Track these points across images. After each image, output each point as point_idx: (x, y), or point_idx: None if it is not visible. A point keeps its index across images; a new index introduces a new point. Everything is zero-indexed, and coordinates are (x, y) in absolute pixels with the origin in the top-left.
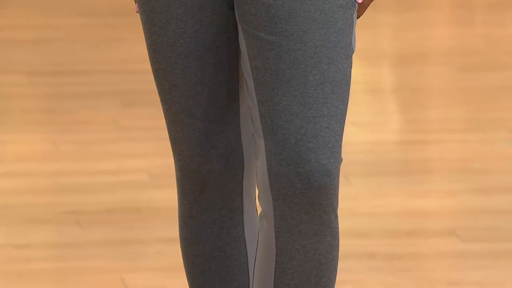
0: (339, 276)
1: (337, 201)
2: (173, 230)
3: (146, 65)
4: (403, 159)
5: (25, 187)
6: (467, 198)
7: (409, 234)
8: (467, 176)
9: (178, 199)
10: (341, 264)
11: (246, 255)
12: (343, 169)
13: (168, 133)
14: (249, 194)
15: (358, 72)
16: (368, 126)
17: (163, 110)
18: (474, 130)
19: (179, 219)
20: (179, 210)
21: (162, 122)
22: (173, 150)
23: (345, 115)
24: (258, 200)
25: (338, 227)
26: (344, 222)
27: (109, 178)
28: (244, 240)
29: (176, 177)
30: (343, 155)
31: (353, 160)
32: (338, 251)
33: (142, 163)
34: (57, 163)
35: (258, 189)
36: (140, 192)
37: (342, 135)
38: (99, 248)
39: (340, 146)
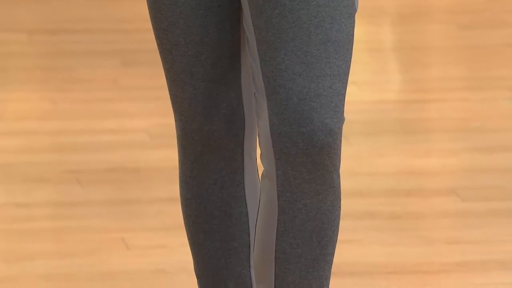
0: (340, 236)
1: (340, 161)
2: (173, 190)
3: (146, 24)
4: (403, 119)
5: (25, 145)
6: (467, 157)
7: (409, 194)
8: (467, 135)
9: (179, 159)
10: (341, 224)
11: (247, 215)
12: (343, 128)
13: (169, 93)
14: (250, 154)
15: (358, 30)
16: (368, 86)
17: (164, 70)
18: (474, 89)
19: (179, 179)
20: (179, 170)
21: (162, 82)
22: (174, 110)
23: (348, 75)
24: (260, 160)
25: (340, 187)
26: (344, 182)
27: (109, 137)
28: (245, 200)
29: (177, 137)
30: None
31: (353, 119)
32: (340, 211)
33: (142, 123)
34: (57, 122)
35: (260, 149)
36: (140, 152)
37: (345, 94)
38: (100, 208)
39: (343, 105)
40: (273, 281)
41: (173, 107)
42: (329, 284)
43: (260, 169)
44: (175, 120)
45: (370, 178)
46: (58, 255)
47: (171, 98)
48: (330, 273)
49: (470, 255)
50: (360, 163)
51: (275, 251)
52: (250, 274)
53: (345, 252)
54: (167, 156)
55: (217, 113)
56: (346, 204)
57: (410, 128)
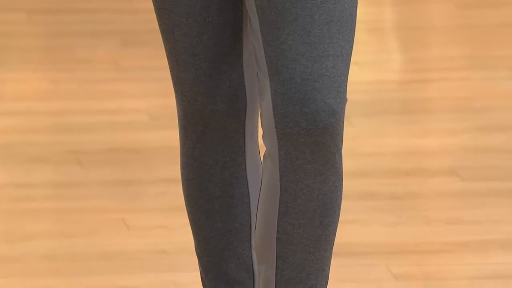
0: (340, 216)
1: (342, 142)
2: (174, 171)
3: (146, 4)
4: (404, 99)
5: (25, 126)
6: (468, 137)
7: (409, 174)
8: (468, 115)
9: (180, 140)
10: (342, 204)
11: (249, 196)
12: None
13: (171, 73)
14: (252, 135)
15: (359, 11)
16: (369, 66)
17: (166, 50)
18: (475, 68)
19: (181, 160)
20: (181, 151)
21: (162, 63)
22: (175, 90)
23: (351, 55)
24: (262, 140)
25: (342, 168)
26: (345, 162)
27: (109, 118)
28: (247, 180)
29: (178, 118)
30: None
31: (353, 99)
32: (342, 191)
33: (142, 104)
34: (57, 102)
35: (262, 129)
36: (140, 132)
37: (348, 75)
38: (100, 188)
39: (346, 86)
40: (275, 261)
41: (174, 87)
42: (330, 264)
43: (262, 150)
44: (177, 101)
45: (370, 159)
46: (59, 235)
47: (172, 79)
48: (332, 253)
49: (470, 235)
50: (361, 143)
51: (277, 231)
52: (251, 254)
53: (345, 232)
54: (168, 136)
55: (219, 94)
56: (347, 185)
57: (410, 108)
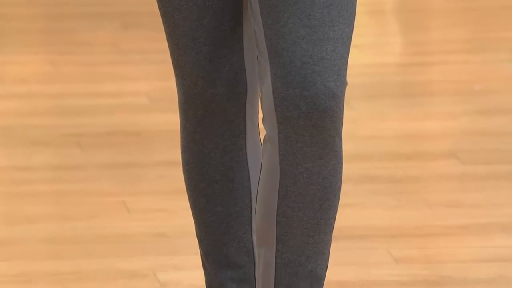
0: (340, 200)
1: (342, 125)
2: (174, 154)
3: None
4: (404, 82)
5: (25, 108)
6: (468, 120)
7: (409, 157)
8: (468, 98)
9: (181, 124)
10: (342, 188)
11: (249, 180)
12: None
13: (171, 57)
14: (252, 119)
15: None
16: (369, 49)
17: (166, 34)
18: (476, 51)
19: (181, 144)
20: (181, 135)
21: (162, 45)
22: (175, 74)
23: (351, 38)
24: (263, 124)
25: (342, 151)
26: (345, 145)
27: (109, 100)
28: (247, 164)
29: (179, 102)
30: None
31: (353, 83)
32: (342, 175)
33: (142, 86)
34: (57, 85)
35: (262, 113)
36: (140, 115)
37: (348, 58)
38: (100, 171)
39: (346, 69)
40: (275, 244)
41: (175, 71)
42: (330, 248)
43: (263, 133)
44: (177, 85)
45: (370, 142)
46: (59, 218)
47: (173, 63)
48: (331, 237)
49: (470, 218)
50: (361, 127)
51: (277, 215)
52: (251, 238)
53: (346, 216)
54: (168, 119)
55: (219, 77)
56: (347, 168)
57: (410, 91)
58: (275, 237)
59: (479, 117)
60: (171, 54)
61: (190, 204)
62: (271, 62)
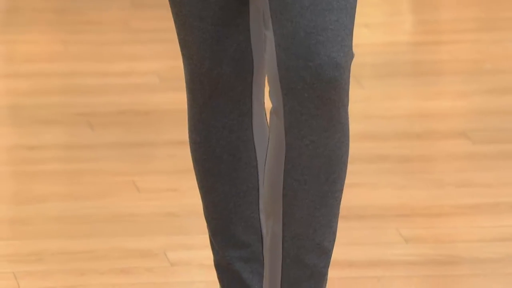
0: (350, 179)
1: (348, 98)
2: (184, 133)
3: None
4: (415, 61)
5: (36, 87)
6: (478, 99)
7: (419, 136)
8: (479, 77)
9: (188, 103)
10: (352, 167)
11: (256, 159)
12: (354, 71)
13: (178, 37)
14: (258, 98)
15: None
16: (380, 28)
17: (173, 14)
18: (486, 30)
19: (188, 123)
20: (188, 114)
21: (172, 24)
22: (182, 54)
23: (355, 9)
24: (269, 97)
25: (348, 124)
26: (355, 125)
27: (119, 80)
28: (254, 143)
29: (186, 81)
30: (354, 57)
31: (364, 62)
32: (348, 148)
33: (153, 65)
34: (68, 64)
35: (268, 85)
36: (151, 94)
37: (352, 29)
38: (110, 150)
39: (351, 40)
40: (282, 217)
41: (181, 51)
42: (337, 221)
43: (268, 112)
44: (184, 64)
45: (381, 121)
46: (69, 197)
47: (179, 42)
48: (339, 210)
49: (480, 198)
50: (371, 106)
51: (283, 188)
52: (259, 217)
53: (355, 196)
54: (178, 98)
55: (225, 57)
56: (357, 147)
57: (421, 70)
58: (281, 210)
59: (490, 96)
60: (177, 34)
61: (198, 184)
62: (275, 33)
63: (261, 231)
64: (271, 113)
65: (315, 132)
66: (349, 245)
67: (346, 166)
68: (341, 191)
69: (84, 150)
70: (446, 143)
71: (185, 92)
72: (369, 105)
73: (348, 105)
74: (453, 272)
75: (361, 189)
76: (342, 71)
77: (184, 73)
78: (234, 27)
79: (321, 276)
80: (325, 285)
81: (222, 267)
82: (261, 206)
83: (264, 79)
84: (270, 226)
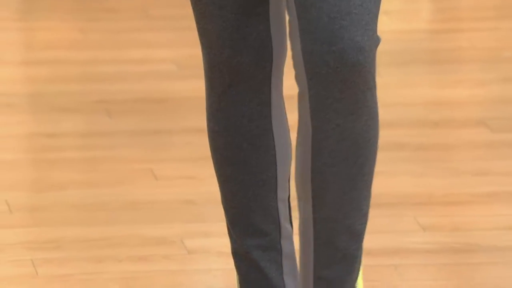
0: None
1: (374, 81)
2: (201, 121)
3: None
4: (433, 48)
5: (54, 75)
6: (497, 87)
7: (438, 124)
8: (497, 65)
9: (206, 92)
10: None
11: (274, 148)
12: None
13: (197, 25)
14: (277, 87)
15: None
16: (398, 15)
17: (192, 2)
18: (505, 18)
19: (207, 112)
20: (207, 103)
21: (190, 12)
22: (201, 43)
23: None
24: (295, 80)
25: (376, 108)
26: None
27: (137, 67)
28: (272, 133)
29: (204, 70)
30: None
31: (383, 49)
32: (377, 131)
33: (171, 53)
34: (86, 52)
35: (294, 69)
36: (168, 82)
37: (378, 14)
38: (128, 138)
39: (375, 24)
40: (311, 200)
41: (200, 40)
42: (368, 204)
43: (287, 101)
44: (203, 53)
45: (398, 109)
46: (87, 185)
47: (198, 31)
48: (370, 193)
49: (498, 186)
50: (389, 94)
51: (311, 171)
52: (277, 206)
53: (373, 184)
54: (195, 86)
55: (245, 46)
56: None
57: (440, 58)
58: (311, 193)
59: (509, 84)
60: (196, 22)
61: (216, 172)
62: (299, 18)
63: (279, 220)
64: (298, 95)
65: (340, 116)
66: (367, 233)
67: (376, 148)
68: (370, 173)
69: (102, 138)
70: (464, 132)
71: (203, 80)
72: (386, 93)
73: (375, 88)
74: (471, 260)
75: (378, 177)
76: (366, 54)
77: (203, 61)
78: (254, 16)
79: (353, 258)
80: (359, 268)
81: (240, 256)
82: (279, 195)
83: (283, 68)
84: (301, 208)
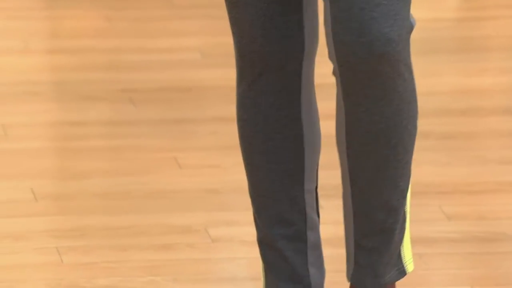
0: None
1: (407, 65)
2: (226, 109)
3: None
4: (459, 37)
5: (80, 63)
6: None
7: (463, 113)
8: None
9: (237, 80)
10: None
11: (303, 137)
12: None
13: (229, 14)
14: (308, 77)
15: None
16: (425, 4)
17: None
18: None
19: (236, 100)
20: (237, 91)
21: (216, 0)
22: (233, 32)
23: None
24: (328, 58)
25: (408, 91)
26: None
27: (162, 56)
28: (301, 122)
29: (236, 59)
30: None
31: None
32: (412, 114)
33: (195, 42)
34: (112, 40)
35: (327, 49)
36: (193, 70)
37: (410, 1)
38: (152, 127)
39: (407, 11)
40: (348, 174)
41: (232, 29)
42: (407, 180)
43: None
44: (234, 42)
45: (424, 98)
46: (113, 173)
47: (230, 20)
48: (407, 170)
49: None
50: (415, 82)
51: (347, 147)
52: (304, 197)
53: None
54: (220, 75)
55: (278, 35)
56: None
57: (465, 47)
58: (347, 168)
59: None
60: (228, 12)
61: (244, 161)
62: (332, 5)
63: (305, 210)
64: (332, 72)
65: (370, 101)
66: None
67: (412, 130)
68: (406, 153)
69: (127, 127)
70: (490, 120)
71: (228, 68)
72: None
73: (408, 72)
74: (496, 249)
75: None
76: (395, 45)
77: (234, 50)
78: (287, 5)
79: (391, 231)
80: (401, 239)
81: (265, 245)
82: (306, 185)
83: (314, 57)
84: (343, 181)
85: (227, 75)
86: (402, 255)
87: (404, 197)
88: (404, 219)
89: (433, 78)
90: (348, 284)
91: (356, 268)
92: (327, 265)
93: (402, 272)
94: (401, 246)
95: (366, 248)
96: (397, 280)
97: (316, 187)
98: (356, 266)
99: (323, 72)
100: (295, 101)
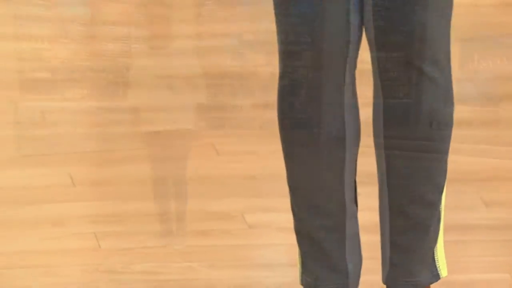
0: None
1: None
2: (264, 96)
3: None
4: (499, 22)
5: (117, 50)
6: None
7: (502, 99)
8: None
9: (280, 73)
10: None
11: (344, 131)
12: None
13: (276, 10)
14: (351, 72)
15: None
16: None
17: None
18: None
19: (278, 93)
20: (279, 83)
21: None
22: (278, 26)
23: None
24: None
25: (443, 88)
26: None
27: (200, 42)
28: (344, 118)
29: (279, 53)
30: None
31: None
32: (447, 110)
33: (234, 28)
34: (148, 27)
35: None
36: (231, 57)
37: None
38: (190, 113)
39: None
40: (385, 167)
41: (277, 25)
42: (443, 175)
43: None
44: (278, 37)
45: (464, 85)
46: (150, 159)
47: (277, 16)
48: (444, 166)
49: None
50: (454, 69)
51: (383, 137)
52: (343, 190)
53: None
54: (258, 62)
55: (323, 32)
56: None
57: (505, 32)
58: (384, 160)
59: None
60: (275, 8)
61: (283, 151)
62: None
63: (344, 202)
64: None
65: (405, 94)
66: None
67: (448, 124)
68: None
69: (164, 113)
70: None
71: (266, 55)
72: (452, 68)
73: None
74: None
75: None
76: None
77: (278, 45)
78: (334, 2)
79: (426, 227)
80: (435, 238)
81: (302, 234)
82: (346, 178)
83: (358, 51)
84: (379, 175)
85: (265, 62)
86: (436, 258)
87: (440, 193)
88: (439, 218)
89: (472, 64)
90: None
91: (391, 269)
92: (363, 252)
93: (436, 276)
94: (435, 249)
95: (401, 246)
96: (431, 283)
97: (355, 177)
98: (391, 267)
99: (362, 58)
100: (338, 98)
